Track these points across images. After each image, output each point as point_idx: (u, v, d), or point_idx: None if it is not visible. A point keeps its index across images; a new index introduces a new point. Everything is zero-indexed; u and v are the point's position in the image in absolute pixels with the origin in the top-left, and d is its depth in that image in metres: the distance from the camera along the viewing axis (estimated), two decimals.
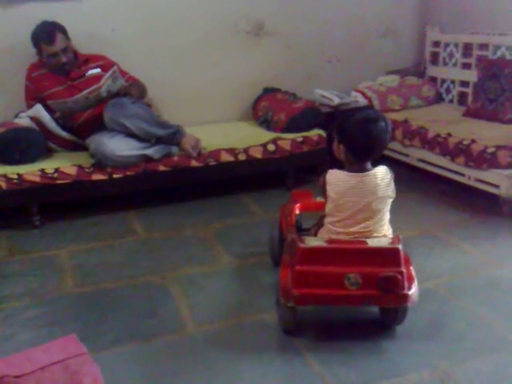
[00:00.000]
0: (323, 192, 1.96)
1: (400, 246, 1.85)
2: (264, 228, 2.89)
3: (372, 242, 1.89)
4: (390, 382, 1.75)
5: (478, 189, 3.06)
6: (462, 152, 3.06)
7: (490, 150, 2.91)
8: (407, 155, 3.52)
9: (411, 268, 1.91)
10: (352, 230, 1.93)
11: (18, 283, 2.44)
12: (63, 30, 3.13)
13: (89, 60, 3.26)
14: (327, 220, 1.99)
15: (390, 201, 1.95)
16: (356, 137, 1.89)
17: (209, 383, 1.78)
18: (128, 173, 3.05)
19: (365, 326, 2.04)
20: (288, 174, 3.45)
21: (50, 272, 2.54)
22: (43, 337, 2.00)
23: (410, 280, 1.87)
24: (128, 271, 2.51)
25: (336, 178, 1.93)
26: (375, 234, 1.94)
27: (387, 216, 1.97)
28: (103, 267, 2.56)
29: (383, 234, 1.96)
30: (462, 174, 3.12)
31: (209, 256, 2.64)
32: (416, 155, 3.45)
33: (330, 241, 1.92)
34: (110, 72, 3.02)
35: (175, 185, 3.28)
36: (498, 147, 2.90)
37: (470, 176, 3.07)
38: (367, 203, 1.90)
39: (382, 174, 1.93)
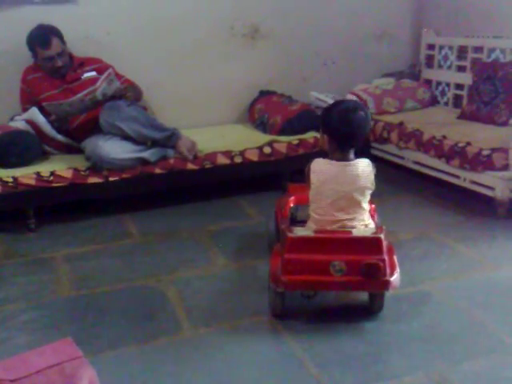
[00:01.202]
0: (307, 179, 2.09)
1: (382, 236, 1.95)
2: (260, 230, 2.89)
3: (356, 232, 2.01)
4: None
5: (474, 191, 3.07)
6: (457, 154, 3.07)
7: (485, 152, 2.92)
8: (402, 157, 3.53)
9: (394, 257, 2.03)
10: (331, 218, 2.05)
11: (14, 286, 2.43)
12: (59, 34, 3.13)
13: (84, 63, 3.26)
14: (310, 207, 2.12)
15: (368, 192, 2.06)
16: (337, 126, 2.02)
17: None
18: (124, 176, 3.04)
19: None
20: (284, 177, 3.45)
21: (46, 275, 2.53)
22: (39, 340, 1.99)
23: (392, 267, 1.98)
24: (124, 274, 2.51)
25: (320, 166, 2.06)
26: (355, 223, 2.05)
27: (367, 206, 2.08)
28: (99, 270, 2.56)
29: (363, 223, 2.06)
30: (458, 177, 3.13)
31: (205, 258, 2.64)
32: (411, 157, 3.46)
33: (317, 230, 2.04)
34: (105, 75, 3.02)
35: (171, 187, 3.28)
36: (493, 150, 2.91)
37: (466, 178, 3.08)
38: (347, 192, 2.02)
39: (363, 165, 2.04)
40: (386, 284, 1.96)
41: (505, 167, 2.86)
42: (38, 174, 2.92)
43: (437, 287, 2.29)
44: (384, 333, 2.00)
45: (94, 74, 3.21)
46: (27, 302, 2.30)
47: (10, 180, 2.87)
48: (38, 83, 3.17)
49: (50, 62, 3.10)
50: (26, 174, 2.90)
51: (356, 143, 2.06)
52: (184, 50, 3.67)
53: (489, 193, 2.96)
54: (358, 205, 2.05)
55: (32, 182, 2.90)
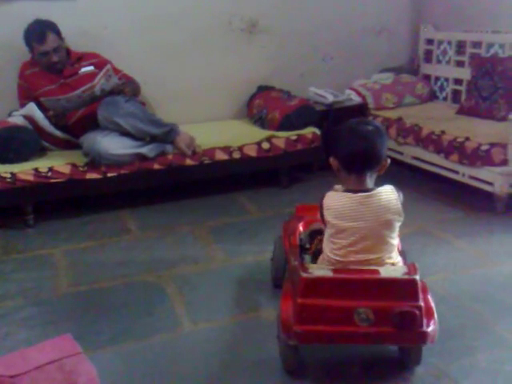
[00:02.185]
0: (321, 217, 1.78)
1: (417, 277, 1.64)
2: (258, 226, 2.89)
3: (385, 272, 1.67)
4: (384, 380, 1.75)
5: (472, 186, 3.07)
6: (456, 149, 3.06)
7: (484, 147, 2.92)
8: (401, 153, 3.53)
9: (429, 299, 1.71)
10: (353, 259, 1.73)
11: (13, 282, 2.43)
12: (55, 30, 3.11)
13: (82, 58, 3.25)
14: (326, 247, 1.80)
15: (397, 225, 1.74)
16: (347, 141, 1.73)
17: (205, 382, 1.78)
18: (122, 171, 3.04)
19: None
20: (282, 172, 3.45)
21: (45, 271, 2.53)
22: (38, 336, 1.99)
23: (429, 315, 1.67)
24: (123, 270, 2.51)
25: (334, 201, 1.73)
26: (381, 263, 1.73)
27: (396, 243, 1.76)
28: (98, 266, 2.55)
29: (391, 261, 1.75)
30: (456, 172, 3.13)
31: (204, 254, 2.64)
32: (410, 153, 3.46)
33: (338, 270, 1.70)
34: (103, 71, 3.01)
35: (170, 183, 3.27)
36: (492, 145, 2.91)
37: (464, 173, 3.08)
38: (371, 228, 1.70)
39: (386, 194, 1.73)
40: (424, 337, 1.64)
41: (504, 162, 2.85)
42: (36, 169, 2.91)
43: (436, 282, 2.29)
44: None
45: (91, 68, 3.20)
46: (26, 299, 2.29)
47: (8, 176, 2.86)
48: (35, 78, 3.16)
49: (46, 58, 3.09)
50: (24, 170, 2.89)
51: (372, 163, 1.72)
52: (182, 44, 3.65)
53: (488, 188, 2.96)
54: (386, 242, 1.73)
55: (30, 177, 2.89)
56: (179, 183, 3.32)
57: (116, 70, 3.20)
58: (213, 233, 2.87)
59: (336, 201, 1.74)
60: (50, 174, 2.92)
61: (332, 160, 1.78)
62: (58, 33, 3.13)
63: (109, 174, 3.02)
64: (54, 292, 2.35)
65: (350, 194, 1.73)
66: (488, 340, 1.93)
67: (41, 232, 2.95)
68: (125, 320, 2.12)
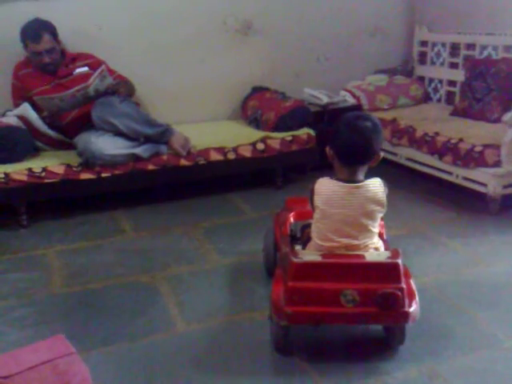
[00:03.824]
0: (311, 201, 1.88)
1: (400, 261, 1.75)
2: (253, 227, 2.90)
3: (370, 256, 1.79)
4: (378, 380, 1.76)
5: (466, 187, 3.08)
6: (449, 151, 3.08)
7: (478, 148, 2.93)
8: (395, 154, 3.54)
9: (411, 282, 1.82)
10: (336, 244, 1.83)
11: (5, 283, 2.42)
12: (52, 31, 3.10)
13: (76, 59, 3.24)
14: (313, 232, 1.90)
15: (379, 215, 1.85)
16: (343, 134, 1.81)
17: (199, 382, 1.78)
18: (116, 172, 3.03)
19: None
20: (277, 173, 3.46)
21: (38, 271, 2.52)
22: (31, 337, 1.99)
23: (411, 296, 1.78)
24: (116, 270, 2.50)
25: (324, 188, 1.84)
26: (364, 249, 1.84)
27: (376, 229, 1.87)
28: (91, 266, 2.55)
29: (373, 246, 1.86)
30: (450, 173, 3.14)
31: (198, 255, 2.64)
32: (404, 154, 3.47)
33: (326, 255, 1.81)
34: (98, 71, 3.00)
35: (164, 184, 3.27)
36: (486, 146, 2.92)
37: (458, 175, 3.09)
38: (355, 217, 1.81)
39: (374, 186, 1.82)
40: (405, 316, 1.74)
41: (497, 163, 2.87)
42: (29, 169, 2.90)
43: (429, 283, 2.30)
44: (374, 328, 2.00)
45: (86, 69, 3.19)
46: (19, 299, 2.29)
47: (2, 176, 2.84)
48: (29, 78, 3.15)
49: (38, 57, 3.08)
50: (17, 170, 2.88)
51: (366, 158, 1.82)
52: (177, 45, 3.65)
53: (481, 189, 2.98)
54: (368, 229, 1.83)
55: (24, 177, 2.88)
56: (174, 184, 3.32)
57: (111, 71, 3.20)
58: (207, 233, 2.87)
59: (326, 187, 1.84)
60: (43, 174, 2.91)
61: (328, 149, 1.87)
62: (54, 35, 3.11)
63: (103, 175, 3.01)
64: (48, 292, 2.34)
65: (340, 183, 1.83)
66: (480, 340, 1.94)
67: (34, 232, 2.94)
68: (118, 320, 2.11)
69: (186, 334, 2.02)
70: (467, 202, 3.11)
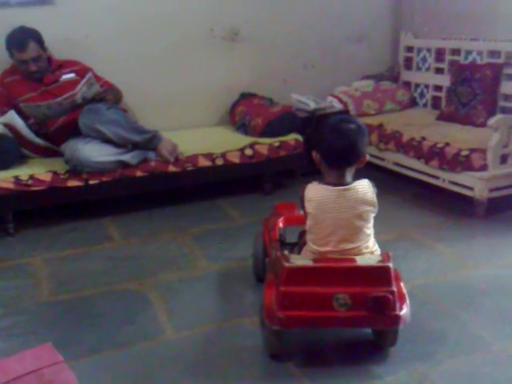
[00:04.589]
0: (302, 208, 1.89)
1: (391, 264, 1.77)
2: (242, 233, 2.89)
3: (361, 260, 1.80)
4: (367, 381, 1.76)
5: (453, 191, 3.10)
6: (436, 155, 3.10)
7: (464, 152, 2.96)
8: (383, 159, 3.56)
9: (402, 285, 1.83)
10: (333, 249, 1.85)
11: None
12: (38, 39, 3.09)
13: (62, 65, 3.23)
14: (308, 238, 1.91)
15: (372, 215, 1.87)
16: (329, 138, 1.83)
17: None
18: (104, 179, 3.02)
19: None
20: (265, 179, 3.46)
21: (25, 280, 2.50)
22: (18, 346, 1.96)
23: (402, 300, 1.79)
24: (105, 278, 2.49)
25: (314, 193, 1.85)
26: (359, 252, 1.85)
27: (371, 232, 1.89)
28: (79, 274, 2.53)
29: (369, 250, 1.87)
30: (437, 177, 3.16)
31: (187, 261, 2.63)
32: (391, 159, 3.49)
33: (317, 259, 1.83)
34: (85, 79, 2.99)
35: (152, 190, 3.26)
36: (472, 150, 2.95)
37: (445, 179, 3.11)
38: (348, 219, 1.82)
39: (363, 187, 1.85)
40: (396, 319, 1.76)
41: (483, 167, 2.89)
42: (16, 177, 2.88)
43: (417, 287, 2.31)
44: (365, 332, 2.00)
45: (72, 75, 3.18)
46: (6, 308, 2.26)
47: None
48: (15, 86, 3.13)
49: (24, 66, 3.07)
50: (4, 178, 2.86)
51: (352, 160, 1.84)
52: (164, 52, 3.65)
53: (468, 193, 3.00)
54: (362, 231, 1.85)
55: (10, 185, 2.85)
56: (162, 190, 3.31)
57: (98, 78, 3.19)
58: (196, 239, 2.86)
59: (316, 193, 1.85)
60: (30, 181, 2.89)
61: (314, 154, 1.88)
62: (40, 42, 3.10)
63: (90, 182, 2.99)
64: (35, 301, 2.32)
65: (329, 187, 1.84)
66: (469, 343, 1.95)
67: (21, 240, 2.92)
68: (107, 328, 2.10)
69: (176, 341, 2.01)
70: (454, 206, 3.13)
